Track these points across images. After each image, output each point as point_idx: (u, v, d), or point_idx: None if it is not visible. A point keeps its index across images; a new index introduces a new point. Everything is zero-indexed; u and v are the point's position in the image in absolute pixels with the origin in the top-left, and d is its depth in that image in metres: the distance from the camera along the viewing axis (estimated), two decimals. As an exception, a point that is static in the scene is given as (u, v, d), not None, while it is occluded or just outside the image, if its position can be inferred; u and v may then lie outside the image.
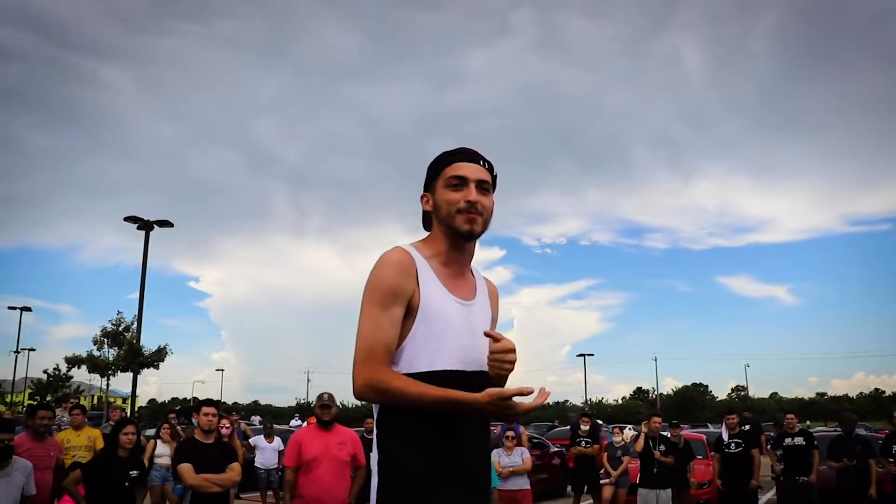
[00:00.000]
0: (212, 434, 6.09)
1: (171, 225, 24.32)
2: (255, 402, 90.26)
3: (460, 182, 2.12)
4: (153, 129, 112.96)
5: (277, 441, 13.25)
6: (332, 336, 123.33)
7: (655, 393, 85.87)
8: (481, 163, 2.17)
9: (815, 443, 9.66)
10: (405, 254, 2.10)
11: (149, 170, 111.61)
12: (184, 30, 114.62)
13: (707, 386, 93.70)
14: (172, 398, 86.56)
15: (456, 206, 2.10)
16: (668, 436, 11.08)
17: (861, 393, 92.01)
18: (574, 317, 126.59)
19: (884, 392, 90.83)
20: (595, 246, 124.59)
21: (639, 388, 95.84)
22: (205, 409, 6.12)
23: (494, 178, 2.21)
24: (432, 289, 2.09)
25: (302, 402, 75.05)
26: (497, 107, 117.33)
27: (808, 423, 16.55)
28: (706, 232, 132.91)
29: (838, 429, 10.62)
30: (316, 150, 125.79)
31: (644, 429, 10.47)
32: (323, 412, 6.21)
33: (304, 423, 15.92)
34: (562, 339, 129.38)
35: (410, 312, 2.05)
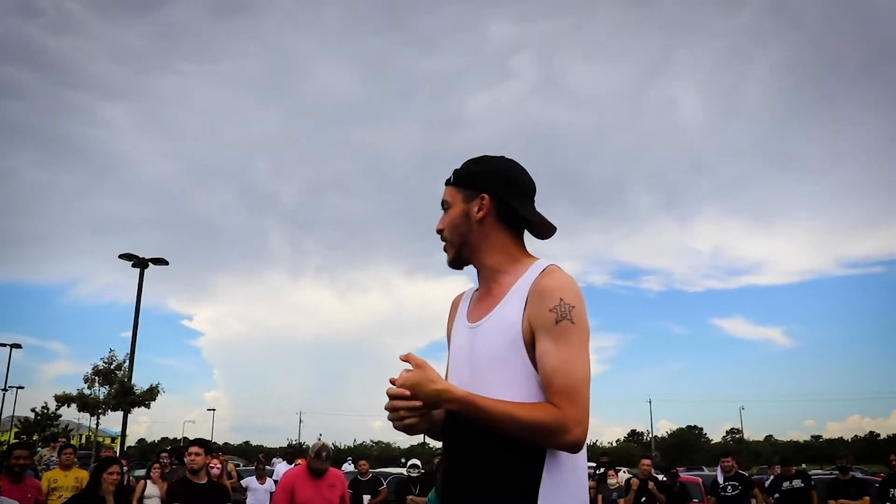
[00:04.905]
0: (203, 474, 6.03)
1: (166, 263, 24.28)
2: (247, 443, 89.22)
3: None
4: (152, 167, 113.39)
5: (269, 482, 13.06)
6: (327, 377, 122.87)
7: (650, 435, 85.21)
8: (446, 181, 2.03)
9: (813, 484, 9.57)
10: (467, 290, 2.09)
11: (146, 208, 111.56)
12: (185, 69, 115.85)
13: (702, 428, 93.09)
14: (162, 438, 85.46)
15: None
16: (664, 479, 11.04)
17: (856, 436, 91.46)
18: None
19: (879, 435, 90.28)
20: (590, 288, 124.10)
21: (633, 431, 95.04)
22: (191, 449, 6.07)
23: (457, 175, 2.00)
24: (457, 317, 2.05)
25: (294, 443, 74.26)
26: (497, 149, 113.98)
27: (803, 465, 16.44)
28: (701, 274, 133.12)
29: (834, 471, 10.56)
30: (315, 190, 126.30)
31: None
32: (317, 464, 6.14)
33: (290, 465, 15.69)
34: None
35: None
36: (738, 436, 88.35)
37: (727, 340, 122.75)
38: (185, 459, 8.57)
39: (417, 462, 11.04)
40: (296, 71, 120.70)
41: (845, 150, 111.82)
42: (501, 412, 1.68)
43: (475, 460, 1.79)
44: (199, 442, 6.24)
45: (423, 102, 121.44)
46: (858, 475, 11.78)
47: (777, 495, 9.97)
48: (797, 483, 9.69)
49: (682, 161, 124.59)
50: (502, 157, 2.01)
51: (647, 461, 10.83)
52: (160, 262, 24.13)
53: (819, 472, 28.85)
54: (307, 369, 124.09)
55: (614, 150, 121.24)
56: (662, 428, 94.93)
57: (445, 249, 2.01)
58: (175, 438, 76.41)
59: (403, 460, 11.92)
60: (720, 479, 9.94)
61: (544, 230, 1.99)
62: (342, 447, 61.05)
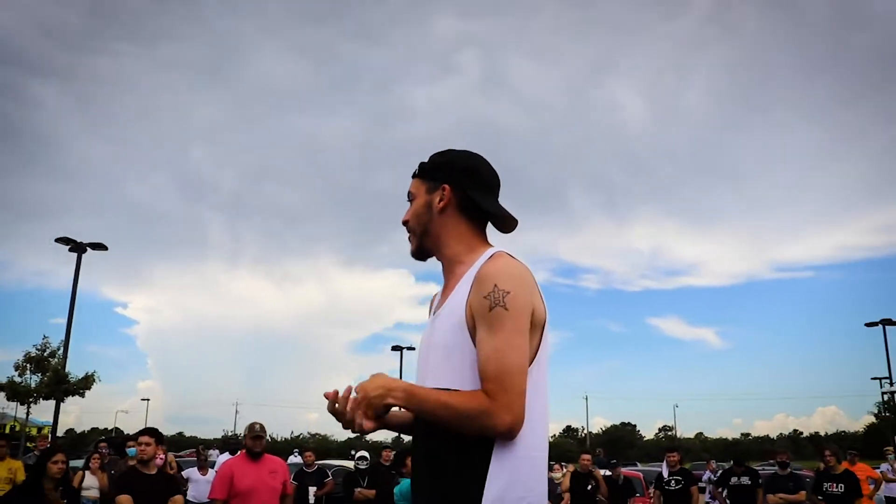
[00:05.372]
0: (153, 464, 5.86)
1: (105, 248, 23.56)
2: (180, 434, 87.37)
3: None
4: (84, 149, 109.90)
5: (211, 473, 12.81)
6: (264, 368, 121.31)
7: (585, 431, 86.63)
8: (413, 174, 2.07)
9: (760, 481, 9.88)
10: None
11: (79, 191, 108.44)
12: (121, 50, 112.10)
13: (635, 425, 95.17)
14: (92, 428, 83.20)
15: None
16: (609, 474, 11.23)
17: (781, 434, 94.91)
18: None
19: (802, 433, 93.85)
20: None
21: (568, 427, 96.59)
22: (141, 439, 5.89)
23: (422, 167, 2.05)
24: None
25: (229, 434, 73.15)
26: (438, 144, 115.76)
27: (732, 462, 17.17)
28: (639, 274, 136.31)
29: (766, 467, 10.89)
30: (253, 179, 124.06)
31: (572, 467, 10.67)
32: (255, 443, 6.11)
33: (219, 456, 15.40)
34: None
35: None
36: (670, 433, 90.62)
37: (662, 340, 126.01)
38: (136, 449, 8.37)
39: (366, 454, 10.97)
40: (236, 57, 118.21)
41: (779, 157, 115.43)
42: (436, 401, 1.71)
43: (428, 448, 1.83)
44: (150, 431, 6.04)
45: (365, 94, 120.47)
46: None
47: (725, 490, 10.29)
48: (745, 480, 9.98)
49: (622, 163, 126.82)
50: (466, 151, 2.05)
51: (587, 456, 10.99)
52: (99, 247, 23.41)
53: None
54: (243, 360, 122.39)
55: (556, 149, 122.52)
56: (597, 424, 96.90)
57: (410, 240, 2.04)
58: (106, 429, 74.47)
59: (353, 452, 11.84)
60: (665, 474, 10.14)
61: (506, 223, 2.02)
62: (279, 439, 60.35)
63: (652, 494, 10.65)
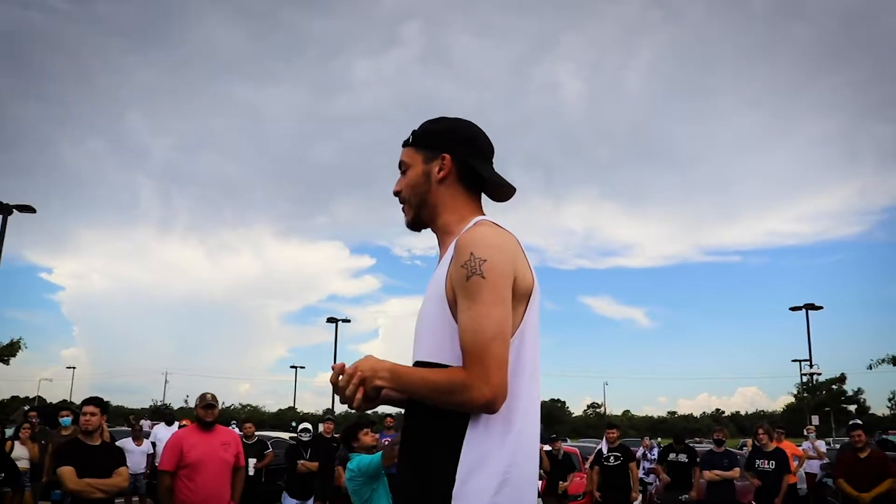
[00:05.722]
0: (98, 435, 5.67)
1: (33, 210, 22.56)
2: (108, 403, 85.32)
3: None
4: (14, 108, 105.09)
5: (147, 444, 12.56)
6: (194, 338, 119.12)
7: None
8: (403, 142, 2.00)
9: (697, 459, 10.20)
10: None
11: (7, 151, 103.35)
12: (54, 5, 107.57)
13: (565, 402, 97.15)
14: (13, 396, 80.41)
15: None
16: (550, 448, 11.40)
17: (704, 412, 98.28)
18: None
19: (724, 412, 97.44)
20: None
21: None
22: (85, 408, 5.70)
23: (416, 135, 1.97)
24: None
25: (159, 403, 71.68)
26: (379, 116, 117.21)
27: (659, 440, 17.67)
28: (573, 253, 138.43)
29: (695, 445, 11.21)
30: (190, 146, 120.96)
31: None
32: (206, 412, 6.01)
33: (154, 427, 15.08)
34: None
35: None
36: (598, 409, 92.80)
37: (594, 318, 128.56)
38: (69, 419, 8.08)
39: (308, 426, 10.88)
40: (176, 20, 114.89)
41: (716, 143, 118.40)
42: (419, 379, 1.69)
43: (407, 425, 1.81)
44: (94, 401, 5.84)
45: (307, 64, 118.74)
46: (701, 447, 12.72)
47: (664, 466, 10.64)
48: (682, 457, 10.34)
49: (560, 142, 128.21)
50: (460, 119, 1.99)
51: None
52: (26, 209, 22.42)
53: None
54: (174, 329, 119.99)
55: (495, 127, 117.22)
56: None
57: (404, 211, 1.98)
58: (27, 398, 72.15)
59: (294, 424, 11.72)
60: (604, 450, 10.35)
61: (504, 191, 1.97)
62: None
63: (589, 469, 10.88)
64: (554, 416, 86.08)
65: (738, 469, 9.76)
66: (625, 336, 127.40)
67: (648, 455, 15.42)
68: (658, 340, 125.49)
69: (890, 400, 47.80)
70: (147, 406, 74.42)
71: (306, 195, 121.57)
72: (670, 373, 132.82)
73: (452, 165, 1.90)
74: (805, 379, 42.02)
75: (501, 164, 2.04)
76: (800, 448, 14.75)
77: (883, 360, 35.13)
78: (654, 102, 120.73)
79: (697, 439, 34.85)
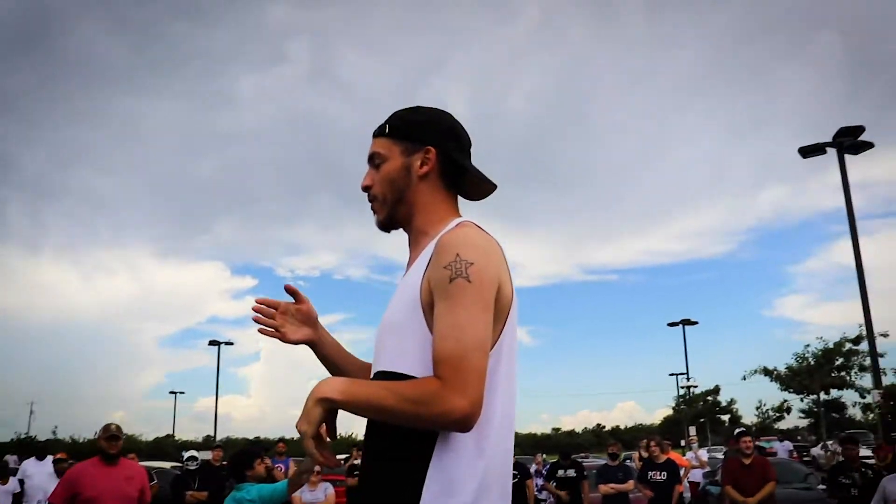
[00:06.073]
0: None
1: None
2: (-37, 438, 78.93)
3: None
4: None
5: (13, 482, 11.58)
6: (64, 364, 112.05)
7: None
8: (375, 132, 1.80)
9: (585, 473, 10.41)
10: None
11: None
12: None
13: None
14: None
15: None
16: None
17: (585, 428, 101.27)
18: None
19: (604, 427, 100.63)
20: (347, 281, 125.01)
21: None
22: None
23: (393, 125, 1.77)
24: None
25: (22, 437, 66.89)
26: (263, 133, 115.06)
27: (544, 456, 18.05)
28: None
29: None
30: (61, 160, 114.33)
31: None
32: (109, 444, 5.56)
33: (22, 463, 14.00)
34: (309, 373, 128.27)
35: None
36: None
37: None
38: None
39: (195, 454, 10.33)
40: (52, 25, 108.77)
41: (596, 164, 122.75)
42: (381, 391, 1.45)
43: (367, 447, 1.60)
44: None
45: (190, 77, 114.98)
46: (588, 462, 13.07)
47: (554, 482, 10.78)
48: (571, 472, 10.60)
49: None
50: (438, 108, 1.82)
51: None
52: None
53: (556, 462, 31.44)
54: (41, 355, 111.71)
55: None
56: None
57: (374, 209, 1.77)
58: None
59: (183, 453, 11.10)
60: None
61: (485, 188, 1.81)
62: (81, 440, 56.12)
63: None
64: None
65: (632, 482, 10.00)
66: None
67: (542, 472, 15.60)
68: (541, 358, 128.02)
69: (757, 408, 50.92)
70: (9, 440, 69.43)
71: (186, 213, 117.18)
72: (553, 390, 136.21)
73: (436, 160, 1.72)
74: (682, 391, 43.98)
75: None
76: (685, 458, 15.34)
77: (755, 371, 37.33)
78: (535, 125, 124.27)
79: (583, 454, 35.74)
